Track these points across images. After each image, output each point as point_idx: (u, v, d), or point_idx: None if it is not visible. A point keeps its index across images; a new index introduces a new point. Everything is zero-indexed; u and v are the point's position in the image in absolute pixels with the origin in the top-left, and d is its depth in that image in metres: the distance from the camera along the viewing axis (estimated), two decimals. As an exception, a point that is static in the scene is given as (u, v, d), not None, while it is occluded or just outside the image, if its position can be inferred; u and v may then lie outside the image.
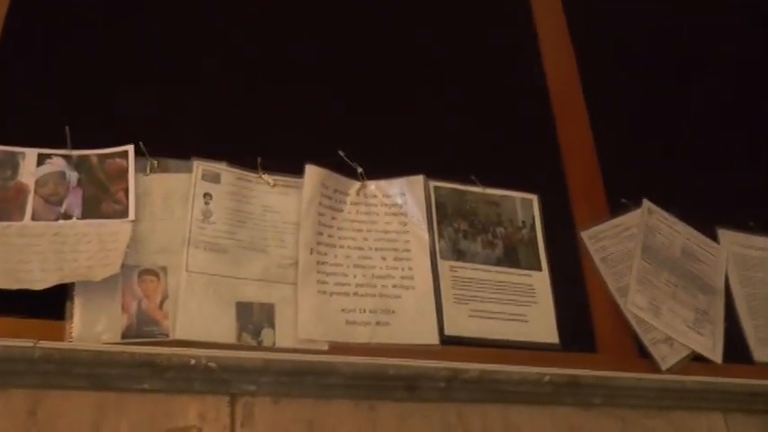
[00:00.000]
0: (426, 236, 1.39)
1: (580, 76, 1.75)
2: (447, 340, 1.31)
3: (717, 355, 1.51)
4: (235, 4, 1.54)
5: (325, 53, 1.54)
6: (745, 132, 1.93)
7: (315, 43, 1.55)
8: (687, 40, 2.00)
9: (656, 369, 1.44)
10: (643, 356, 1.46)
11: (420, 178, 1.43)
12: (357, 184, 1.42)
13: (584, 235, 1.52)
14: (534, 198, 1.52)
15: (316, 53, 1.53)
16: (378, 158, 1.44)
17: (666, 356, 1.46)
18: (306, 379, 1.19)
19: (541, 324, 1.40)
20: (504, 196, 1.50)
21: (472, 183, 1.49)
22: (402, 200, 1.41)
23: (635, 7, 1.96)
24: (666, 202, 1.66)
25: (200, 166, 1.31)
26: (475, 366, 1.27)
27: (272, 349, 1.21)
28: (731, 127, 1.91)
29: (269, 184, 1.36)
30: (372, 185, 1.42)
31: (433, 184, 1.46)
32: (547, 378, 1.30)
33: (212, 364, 1.14)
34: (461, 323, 1.34)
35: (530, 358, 1.34)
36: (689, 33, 2.01)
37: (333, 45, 1.56)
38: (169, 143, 1.32)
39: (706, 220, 1.69)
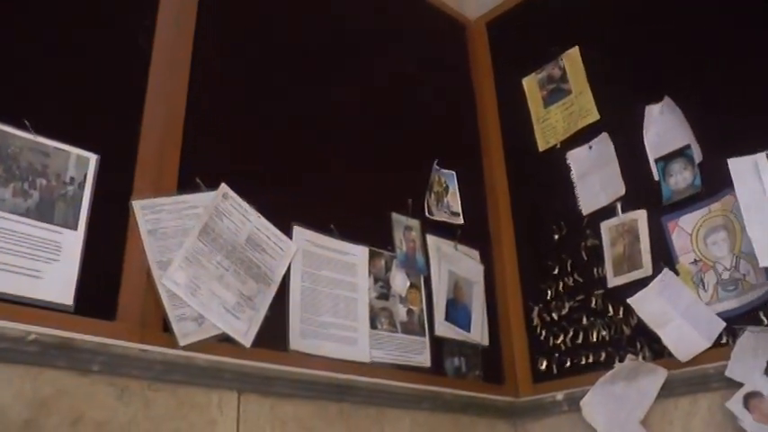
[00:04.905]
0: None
1: (192, 47, 1.75)
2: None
3: (247, 340, 1.57)
4: None
5: None
6: (347, 140, 2.05)
7: None
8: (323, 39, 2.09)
9: (174, 344, 1.45)
10: (167, 331, 1.47)
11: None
12: None
13: (136, 204, 1.52)
14: (93, 157, 1.49)
15: None
16: None
17: (190, 334, 1.49)
18: None
19: (57, 283, 1.37)
20: (58, 149, 1.45)
21: (26, 128, 1.42)
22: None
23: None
24: (250, 193, 1.70)
25: None
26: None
27: None
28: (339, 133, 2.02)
29: None
30: None
31: (-25, 123, 1.37)
32: (32, 337, 1.27)
33: None
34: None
35: (30, 316, 1.30)
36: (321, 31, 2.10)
37: None
38: None
39: (287, 216, 1.76)
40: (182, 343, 1.47)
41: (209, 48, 1.79)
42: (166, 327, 1.48)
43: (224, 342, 1.54)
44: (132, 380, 1.40)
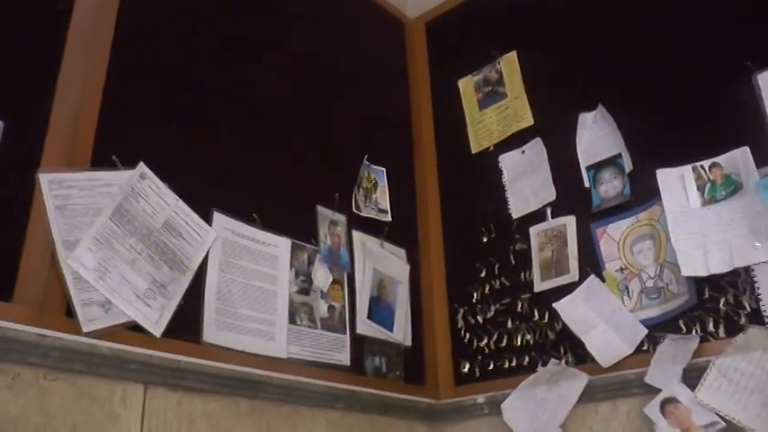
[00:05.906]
0: None
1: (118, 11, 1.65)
2: None
3: (157, 329, 1.48)
4: None
5: None
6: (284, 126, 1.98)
7: None
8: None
9: (77, 330, 1.35)
10: (70, 316, 1.36)
11: None
12: None
13: (43, 178, 1.41)
14: (-2, 125, 1.37)
15: None
16: None
17: (95, 320, 1.39)
18: None
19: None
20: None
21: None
22: None
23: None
24: (170, 175, 1.61)
25: None
26: None
27: None
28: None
29: None
30: None
31: None
32: None
33: None
34: None
35: None
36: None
37: None
38: None
39: (208, 201, 1.67)
40: (85, 329, 1.37)
41: (135, 14, 1.68)
42: (70, 311, 1.37)
43: (132, 330, 1.45)
44: (26, 367, 1.29)
